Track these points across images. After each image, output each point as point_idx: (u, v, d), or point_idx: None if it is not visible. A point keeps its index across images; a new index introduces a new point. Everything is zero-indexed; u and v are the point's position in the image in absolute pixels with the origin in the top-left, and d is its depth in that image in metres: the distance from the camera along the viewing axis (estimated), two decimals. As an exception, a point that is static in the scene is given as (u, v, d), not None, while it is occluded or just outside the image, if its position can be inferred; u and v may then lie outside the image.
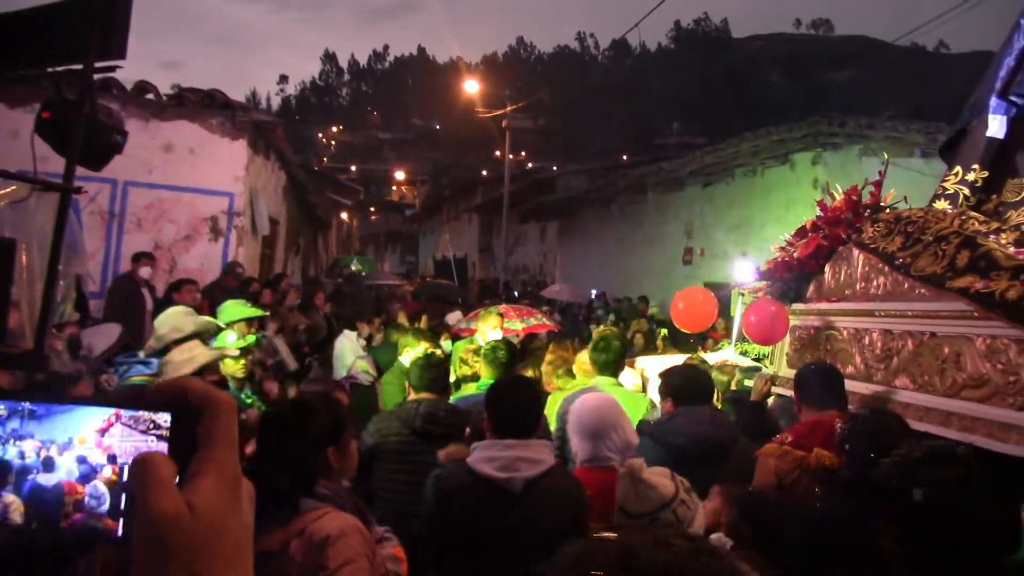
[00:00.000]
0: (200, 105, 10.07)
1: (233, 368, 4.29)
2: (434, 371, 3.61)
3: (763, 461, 2.84)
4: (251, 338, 5.42)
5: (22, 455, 0.62)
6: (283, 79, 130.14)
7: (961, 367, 2.93)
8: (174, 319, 3.77)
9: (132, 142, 3.86)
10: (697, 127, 76.58)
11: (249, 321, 5.62)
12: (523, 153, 58.68)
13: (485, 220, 32.03)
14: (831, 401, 2.99)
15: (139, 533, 0.54)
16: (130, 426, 0.62)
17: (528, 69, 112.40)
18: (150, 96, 9.83)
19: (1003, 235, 3.01)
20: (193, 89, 10.43)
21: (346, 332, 7.39)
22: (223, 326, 4.75)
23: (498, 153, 36.80)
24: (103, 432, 0.62)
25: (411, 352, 4.96)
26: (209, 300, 7.51)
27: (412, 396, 3.66)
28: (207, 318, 4.31)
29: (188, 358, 3.28)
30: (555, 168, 39.94)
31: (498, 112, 25.99)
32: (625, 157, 43.81)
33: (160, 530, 0.53)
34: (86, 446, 0.62)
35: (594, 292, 17.90)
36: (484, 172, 45.62)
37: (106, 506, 0.62)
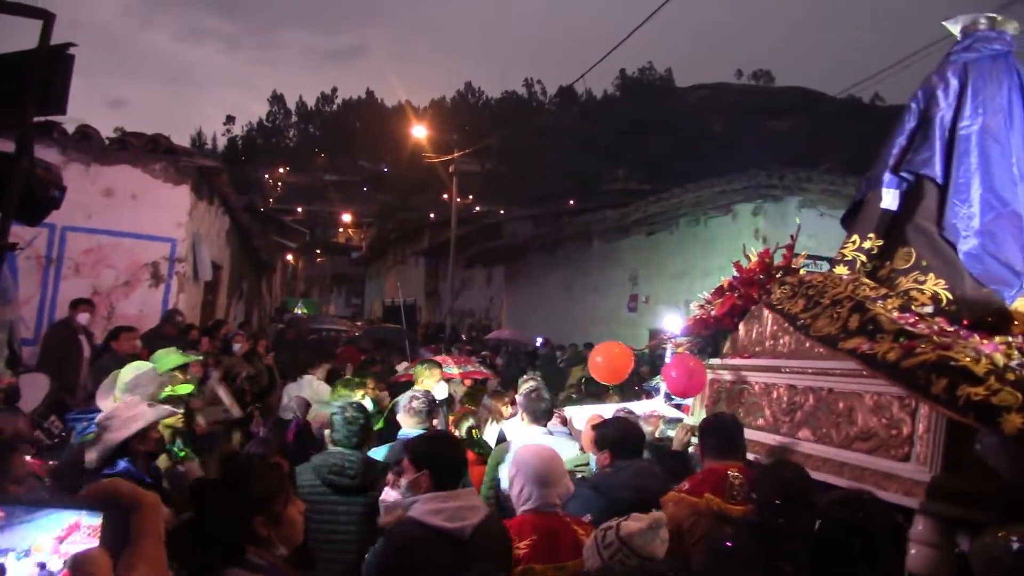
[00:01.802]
0: (143, 150, 10.04)
1: (168, 420, 4.33)
2: (349, 428, 3.65)
3: (664, 508, 3.06)
4: (188, 387, 5.41)
5: None
6: (230, 119, 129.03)
7: (853, 421, 3.22)
8: (135, 376, 3.91)
9: (72, 186, 3.89)
10: (642, 174, 78.55)
11: (185, 369, 5.63)
12: (470, 197, 59.27)
13: (432, 264, 32.17)
14: (731, 452, 3.23)
15: None
16: (89, 535, 0.70)
17: (476, 114, 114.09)
18: (92, 140, 9.77)
19: (890, 301, 3.34)
20: (136, 133, 10.40)
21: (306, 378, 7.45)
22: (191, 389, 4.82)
23: (445, 197, 37.14)
24: (62, 540, 0.70)
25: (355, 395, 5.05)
26: (148, 349, 7.42)
27: (331, 448, 3.75)
28: (167, 374, 4.37)
29: (134, 415, 3.32)
30: (502, 212, 40.51)
31: (446, 156, 26.35)
32: (572, 202, 44.77)
33: None
34: (44, 553, 0.70)
35: (539, 339, 18.09)
36: (431, 215, 45.94)
37: None
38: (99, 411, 3.82)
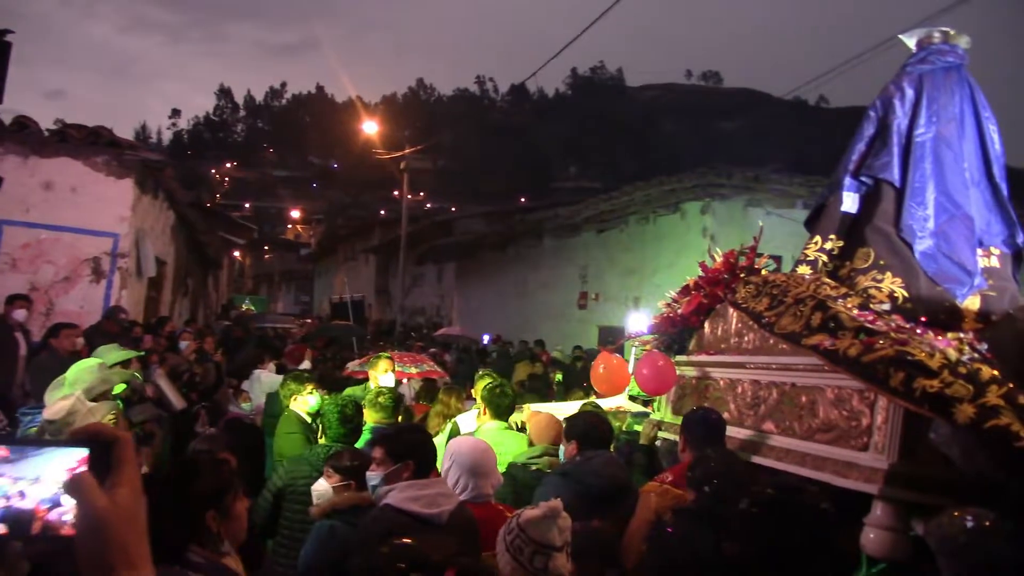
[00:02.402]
0: (84, 142, 9.68)
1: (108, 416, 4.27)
2: (348, 425, 3.85)
3: (645, 498, 3.13)
4: (120, 386, 5.26)
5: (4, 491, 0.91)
6: (175, 113, 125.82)
7: (815, 413, 3.31)
8: (90, 378, 3.85)
9: (9, 179, 3.72)
10: (593, 171, 79.42)
11: (127, 365, 5.48)
12: (421, 194, 58.99)
13: (382, 261, 31.87)
14: (713, 444, 3.30)
15: (83, 524, 0.84)
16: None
17: (428, 111, 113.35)
18: (31, 131, 9.37)
19: (850, 299, 3.45)
20: (77, 125, 10.03)
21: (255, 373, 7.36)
22: (138, 376, 4.71)
23: (396, 193, 36.84)
24: (72, 471, 0.89)
25: (301, 399, 4.96)
26: (89, 346, 7.16)
27: (323, 441, 3.89)
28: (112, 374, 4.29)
29: (87, 410, 3.41)
30: (453, 209, 40.41)
31: (397, 153, 26.09)
32: (523, 200, 44.91)
33: (99, 519, 0.83)
34: (55, 482, 0.91)
35: (486, 337, 18.10)
36: (382, 212, 45.49)
37: (70, 520, 0.90)
38: (42, 408, 3.77)
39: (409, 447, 2.88)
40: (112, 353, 5.52)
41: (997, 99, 4.25)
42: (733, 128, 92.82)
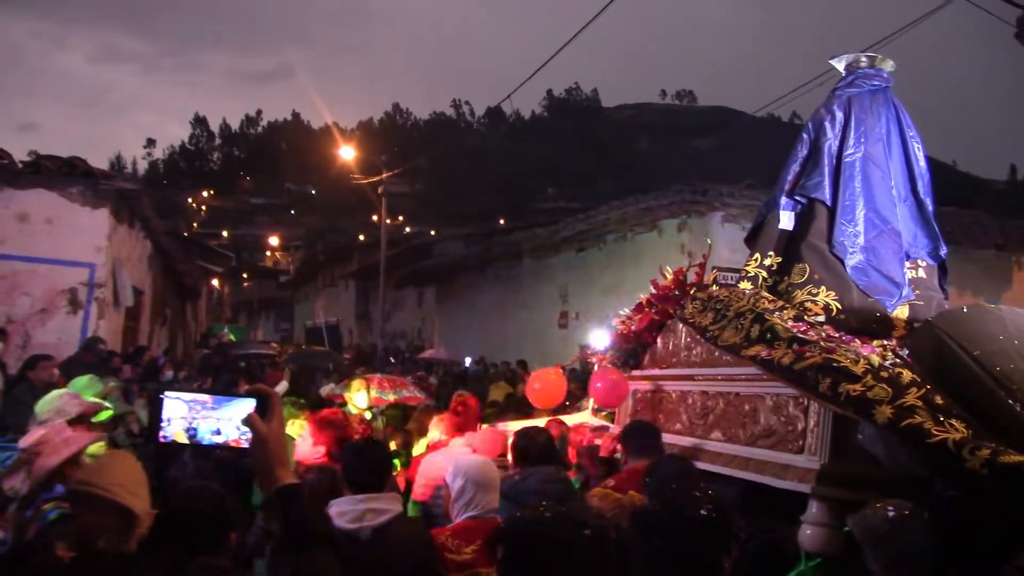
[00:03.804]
0: (59, 173, 9.77)
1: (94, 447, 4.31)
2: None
3: (588, 503, 3.30)
4: (107, 412, 5.31)
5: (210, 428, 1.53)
6: (150, 143, 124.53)
7: (757, 420, 3.54)
8: (59, 402, 3.84)
9: (-18, 211, 3.85)
10: (571, 191, 79.95)
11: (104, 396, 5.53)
12: (400, 218, 59.14)
13: (362, 286, 31.88)
14: (649, 452, 3.50)
15: (255, 441, 1.47)
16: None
17: (404, 135, 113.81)
18: (4, 163, 9.46)
19: (786, 312, 3.69)
20: (51, 156, 10.13)
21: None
22: (108, 406, 4.75)
23: (375, 218, 36.93)
24: (248, 413, 1.51)
25: (297, 423, 5.05)
26: (66, 377, 7.21)
27: None
28: (92, 399, 4.32)
29: (65, 439, 3.32)
30: (432, 233, 40.53)
31: (374, 178, 26.16)
32: (502, 221, 45.16)
33: (263, 439, 1.46)
34: (239, 418, 1.52)
35: (468, 359, 18.17)
36: (360, 237, 45.49)
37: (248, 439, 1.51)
38: (17, 442, 3.73)
39: (345, 465, 2.99)
40: (86, 388, 5.55)
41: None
42: (708, 145, 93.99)
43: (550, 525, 1.51)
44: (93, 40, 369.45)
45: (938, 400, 2.84)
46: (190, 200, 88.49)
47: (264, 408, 1.48)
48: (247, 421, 1.46)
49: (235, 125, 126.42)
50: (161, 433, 1.51)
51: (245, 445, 1.50)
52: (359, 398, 5.98)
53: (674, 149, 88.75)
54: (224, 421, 1.51)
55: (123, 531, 2.50)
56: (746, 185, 16.26)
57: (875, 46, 10.09)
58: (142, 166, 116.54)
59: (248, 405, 1.49)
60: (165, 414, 1.50)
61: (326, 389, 9.00)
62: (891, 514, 2.47)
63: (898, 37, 10.07)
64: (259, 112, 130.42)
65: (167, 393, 1.55)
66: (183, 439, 1.51)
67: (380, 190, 24.85)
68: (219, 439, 1.51)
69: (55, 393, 4.23)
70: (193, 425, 1.50)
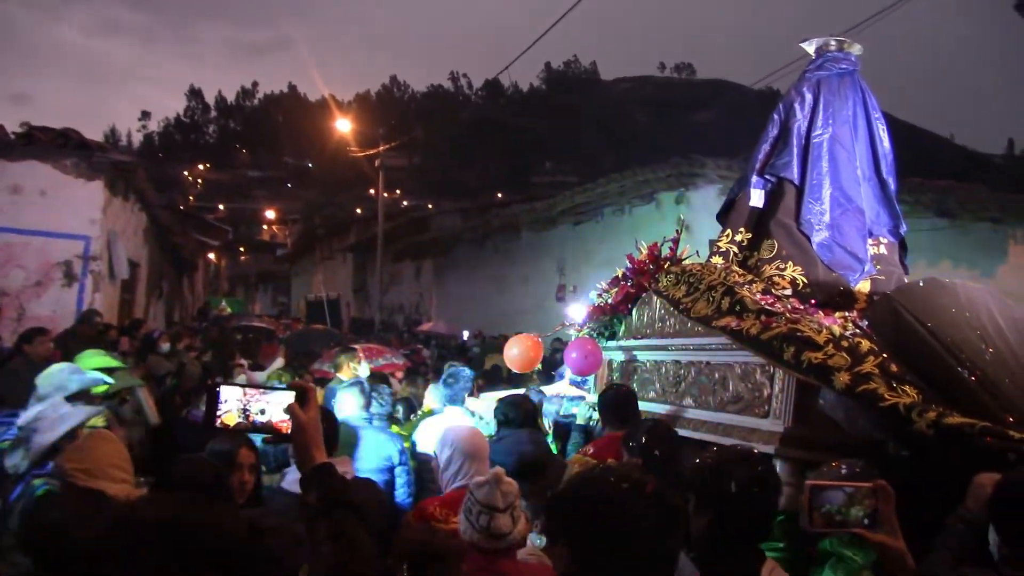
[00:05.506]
0: (52, 145, 9.80)
1: (94, 420, 4.37)
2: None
3: (569, 469, 3.47)
4: (104, 386, 5.33)
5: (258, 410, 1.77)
6: (145, 115, 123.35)
7: (726, 387, 3.70)
8: (58, 377, 3.84)
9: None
10: (569, 165, 79.69)
11: (110, 371, 5.58)
12: (397, 191, 58.99)
13: (359, 260, 31.91)
14: (626, 420, 3.66)
15: (295, 427, 1.70)
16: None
17: (402, 108, 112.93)
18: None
19: (755, 285, 3.83)
20: (45, 128, 10.14)
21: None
22: (108, 380, 4.79)
23: (372, 191, 36.89)
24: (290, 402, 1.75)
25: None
26: (63, 350, 7.25)
27: None
28: (93, 374, 4.37)
29: (61, 415, 3.33)
30: (430, 206, 40.53)
31: (372, 151, 26.12)
32: (500, 194, 45.12)
33: (302, 425, 1.70)
34: (282, 406, 1.75)
35: (466, 333, 18.30)
36: (358, 211, 45.48)
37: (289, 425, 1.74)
38: (16, 416, 3.70)
39: None
40: (95, 359, 5.62)
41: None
42: (706, 118, 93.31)
43: (592, 484, 1.78)
44: (88, 10, 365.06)
45: (893, 368, 2.99)
46: (186, 173, 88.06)
47: (303, 399, 1.72)
48: (288, 410, 1.70)
49: (231, 97, 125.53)
50: (217, 419, 1.76)
51: (286, 430, 1.74)
52: (362, 369, 6.09)
53: (673, 122, 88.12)
54: (271, 405, 1.74)
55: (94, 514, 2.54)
56: (744, 158, 16.20)
57: (873, 18, 10.12)
58: (137, 139, 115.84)
59: (290, 396, 1.73)
60: (222, 398, 1.75)
61: (315, 365, 9.07)
62: (843, 472, 2.62)
63: (897, 9, 10.05)
64: (255, 84, 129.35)
65: (222, 383, 1.84)
66: (233, 421, 1.74)
67: (377, 163, 24.83)
68: (263, 418, 1.75)
69: (55, 367, 4.26)
70: (247, 407, 1.75)
